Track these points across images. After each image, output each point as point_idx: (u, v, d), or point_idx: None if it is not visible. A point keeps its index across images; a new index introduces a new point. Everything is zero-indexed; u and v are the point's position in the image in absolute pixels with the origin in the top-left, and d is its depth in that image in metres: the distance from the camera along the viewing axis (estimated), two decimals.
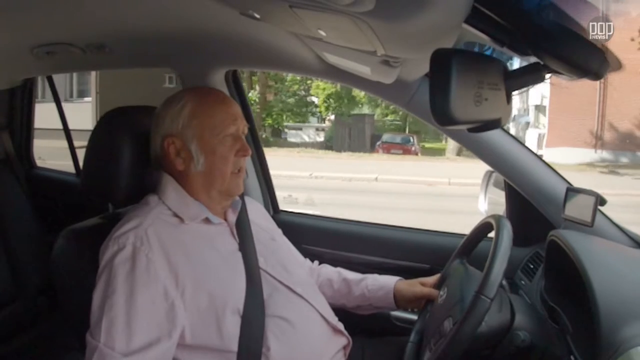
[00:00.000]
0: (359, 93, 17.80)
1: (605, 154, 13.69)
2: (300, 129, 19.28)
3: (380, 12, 0.55)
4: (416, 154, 15.18)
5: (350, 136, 17.09)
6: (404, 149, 15.26)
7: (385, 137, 16.33)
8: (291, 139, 18.68)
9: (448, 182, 9.50)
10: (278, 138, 18.60)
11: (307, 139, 18.71)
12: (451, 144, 15.33)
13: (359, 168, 10.61)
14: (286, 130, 19.42)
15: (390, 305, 1.24)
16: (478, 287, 0.84)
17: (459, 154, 14.44)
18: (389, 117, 19.96)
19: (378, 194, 8.17)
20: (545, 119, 14.75)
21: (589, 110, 13.61)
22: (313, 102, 19.13)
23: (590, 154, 13.54)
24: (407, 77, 1.20)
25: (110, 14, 1.12)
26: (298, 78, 17.13)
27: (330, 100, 18.77)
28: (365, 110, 18.92)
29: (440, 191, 8.92)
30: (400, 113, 18.88)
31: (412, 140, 15.91)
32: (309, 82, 18.25)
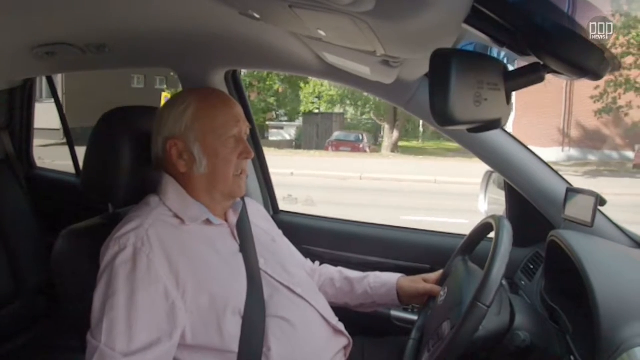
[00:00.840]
0: (315, 92, 17.78)
1: (572, 152, 13.73)
2: (282, 128, 19.39)
3: (380, 12, 0.55)
4: (365, 151, 15.72)
5: (318, 135, 17.50)
6: (353, 146, 15.83)
7: (337, 135, 16.89)
8: (272, 138, 18.79)
9: (359, 177, 10.43)
10: (261, 137, 18.65)
11: (288, 137, 18.84)
12: (386, 142, 16.09)
13: (288, 164, 11.22)
14: (269, 129, 19.56)
15: (393, 302, 1.24)
16: (475, 293, 0.84)
17: (392, 150, 15.41)
18: (365, 117, 20.13)
19: (286, 187, 8.91)
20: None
21: (556, 108, 13.61)
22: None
23: (557, 153, 13.61)
24: (407, 77, 1.20)
25: (110, 14, 1.12)
26: (281, 76, 17.05)
27: (274, 98, 18.90)
28: (338, 109, 19.12)
29: (349, 185, 9.83)
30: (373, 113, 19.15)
31: (361, 138, 16.47)
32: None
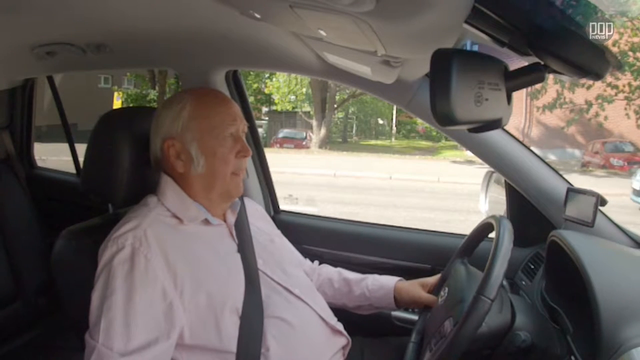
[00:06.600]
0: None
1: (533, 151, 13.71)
2: (261, 126, 19.54)
3: (381, 13, 0.55)
4: (307, 147, 16.41)
5: None
6: (296, 143, 16.56)
7: (284, 132, 17.65)
8: None
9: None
10: None
11: (263, 135, 19.02)
12: (314, 138, 16.40)
13: None
14: None
15: (390, 305, 1.24)
16: (478, 288, 0.84)
17: (321, 147, 15.89)
18: (338, 115, 20.43)
19: None
20: None
21: (515, 105, 13.47)
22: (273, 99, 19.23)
23: None
24: (407, 77, 1.20)
25: (110, 14, 1.12)
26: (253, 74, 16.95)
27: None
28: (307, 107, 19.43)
29: None
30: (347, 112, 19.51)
31: (305, 135, 17.18)
32: (266, 79, 18.21)
